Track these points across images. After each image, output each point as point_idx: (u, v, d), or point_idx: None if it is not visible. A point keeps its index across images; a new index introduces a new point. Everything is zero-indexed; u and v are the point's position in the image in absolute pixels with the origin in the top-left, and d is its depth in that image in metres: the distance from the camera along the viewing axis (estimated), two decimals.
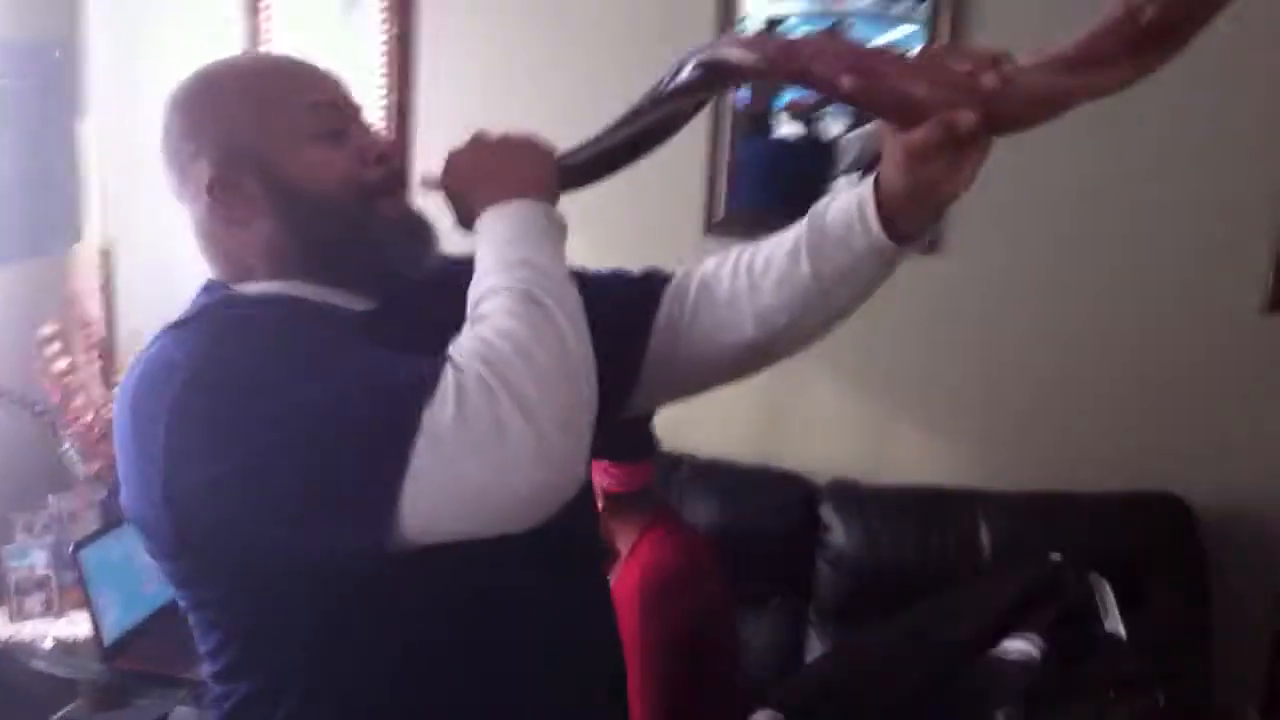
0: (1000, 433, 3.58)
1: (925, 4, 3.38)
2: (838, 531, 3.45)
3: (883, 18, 3.43)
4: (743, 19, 3.49)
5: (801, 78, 1.31)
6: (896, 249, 1.39)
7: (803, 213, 1.49)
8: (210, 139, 1.41)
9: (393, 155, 1.45)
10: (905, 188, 1.33)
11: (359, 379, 1.20)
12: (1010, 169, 3.25)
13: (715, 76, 1.39)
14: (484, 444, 1.13)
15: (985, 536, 3.37)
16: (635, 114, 1.45)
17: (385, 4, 3.76)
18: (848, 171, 3.51)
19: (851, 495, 3.50)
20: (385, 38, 3.78)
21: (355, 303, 1.43)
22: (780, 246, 1.48)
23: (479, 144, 1.45)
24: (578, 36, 3.69)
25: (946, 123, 1.23)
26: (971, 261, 3.49)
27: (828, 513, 3.48)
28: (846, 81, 1.26)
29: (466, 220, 1.41)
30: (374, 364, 1.23)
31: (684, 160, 3.56)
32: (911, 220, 1.37)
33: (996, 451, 3.59)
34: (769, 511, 3.52)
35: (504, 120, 1.54)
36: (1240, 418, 3.43)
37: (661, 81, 1.43)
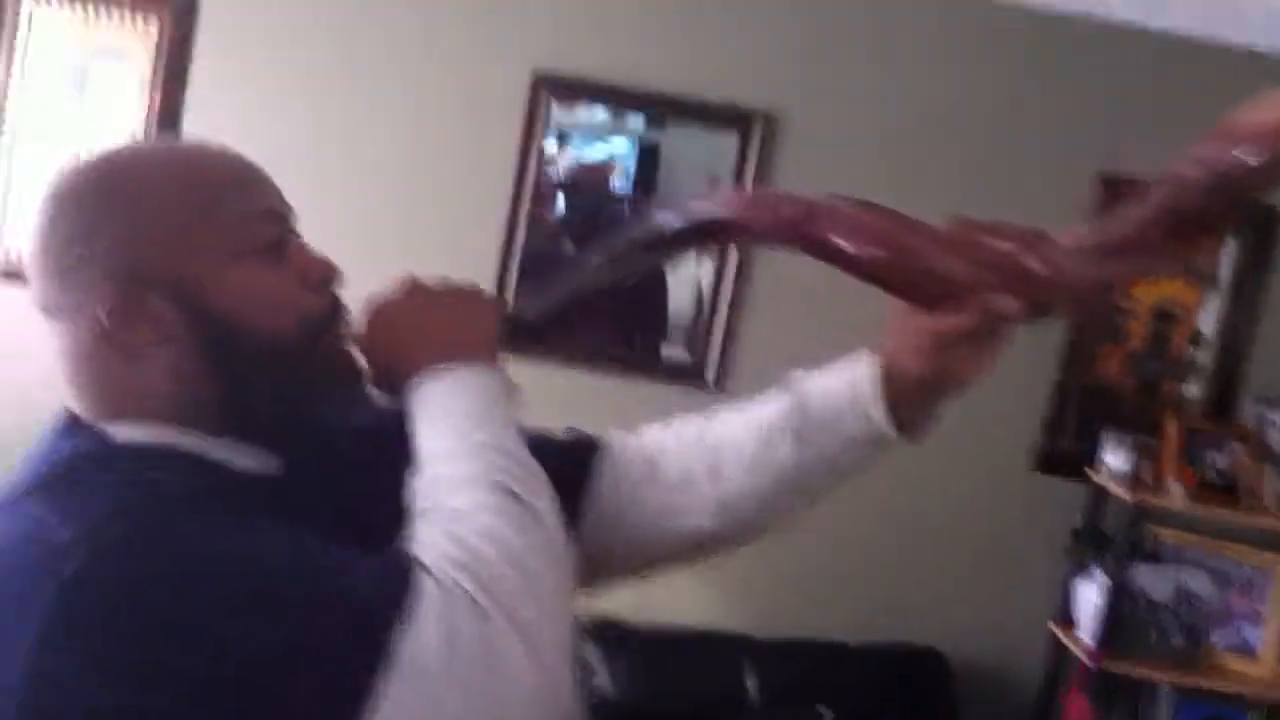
0: (768, 578, 3.52)
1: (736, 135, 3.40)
2: (601, 674, 3.29)
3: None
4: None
5: (817, 247, 1.17)
6: (896, 439, 1.25)
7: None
8: (113, 246, 1.11)
9: (335, 277, 1.20)
10: (920, 374, 1.20)
11: (309, 593, 0.96)
12: (794, 307, 3.49)
13: (707, 236, 1.27)
14: (474, 679, 0.93)
15: (752, 683, 3.31)
16: (596, 267, 1.31)
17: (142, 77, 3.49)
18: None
19: (614, 635, 3.35)
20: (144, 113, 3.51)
21: (253, 461, 1.15)
22: (749, 426, 1.31)
23: (414, 295, 1.22)
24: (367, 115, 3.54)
25: (989, 309, 1.12)
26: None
27: (590, 653, 3.32)
28: (871, 255, 1.14)
29: (392, 381, 1.19)
30: (322, 569, 0.98)
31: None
32: (914, 408, 1.24)
33: (765, 597, 3.56)
34: None
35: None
36: (1000, 574, 3.54)
37: (631, 234, 1.29)
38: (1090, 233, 1.11)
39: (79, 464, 1.07)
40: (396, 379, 1.17)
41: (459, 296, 1.22)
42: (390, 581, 0.95)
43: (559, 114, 3.49)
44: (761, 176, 3.46)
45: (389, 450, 1.15)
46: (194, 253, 1.11)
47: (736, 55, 3.49)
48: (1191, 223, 1.06)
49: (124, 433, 1.12)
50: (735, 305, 3.51)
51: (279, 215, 1.17)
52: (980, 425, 3.41)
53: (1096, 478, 3.47)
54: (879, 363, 1.23)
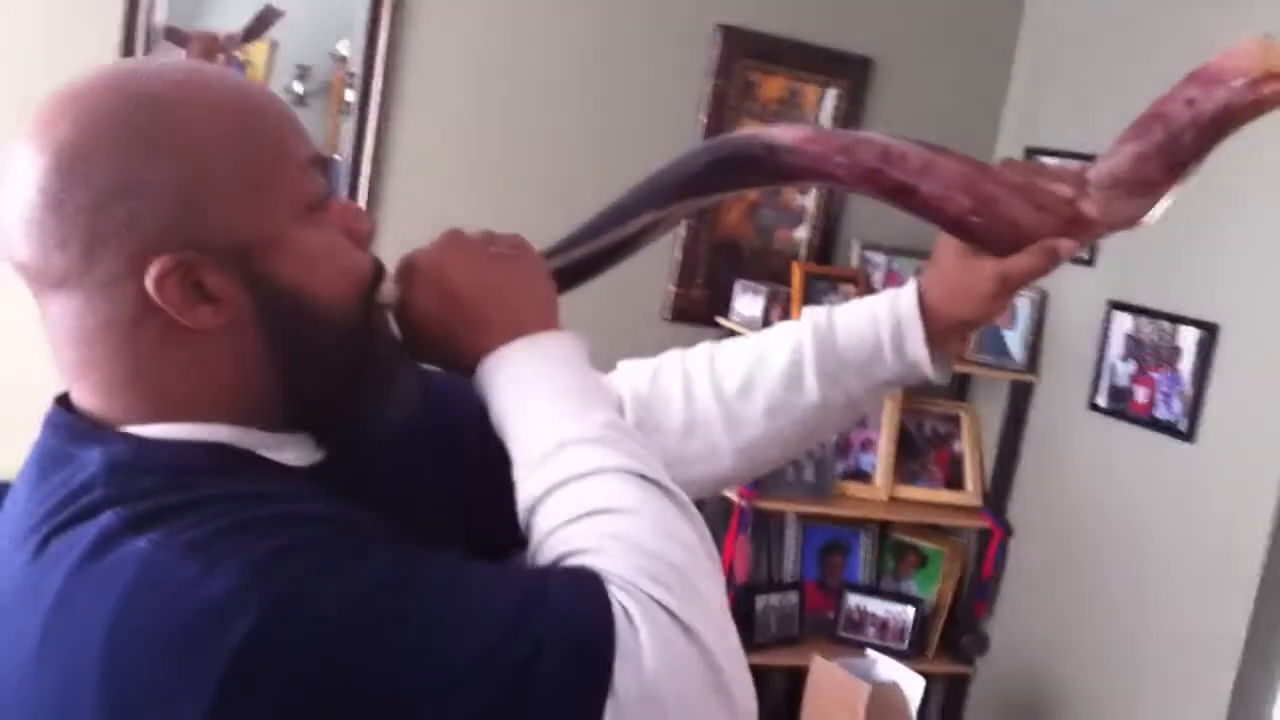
0: None
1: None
2: None
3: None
4: None
5: (898, 193, 1.14)
6: (935, 380, 1.26)
7: None
8: (164, 204, 0.89)
9: (374, 231, 1.03)
10: (968, 316, 1.21)
11: (510, 630, 0.82)
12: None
13: (773, 173, 1.17)
14: (704, 703, 0.84)
15: None
16: (634, 207, 1.19)
17: None
18: None
19: None
20: None
21: (300, 453, 0.99)
22: (764, 366, 1.24)
23: (459, 249, 1.06)
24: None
25: (1053, 252, 1.14)
26: None
27: None
28: (962, 203, 1.13)
29: (445, 353, 1.05)
30: (509, 597, 0.85)
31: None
32: (946, 346, 1.24)
33: None
34: None
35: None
36: None
37: (672, 169, 1.19)
38: (1103, 171, 1.16)
39: (142, 481, 0.88)
40: (450, 352, 1.04)
41: (513, 252, 1.08)
42: (586, 602, 0.83)
43: None
44: (396, 26, 3.26)
45: (439, 434, 1.05)
46: (264, 214, 0.92)
47: None
48: (1186, 158, 1.14)
49: (161, 433, 0.92)
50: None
51: (322, 161, 0.98)
52: (615, 278, 3.44)
53: (727, 324, 3.60)
54: (917, 302, 1.22)
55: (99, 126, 0.89)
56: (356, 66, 3.28)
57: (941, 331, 1.22)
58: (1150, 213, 1.18)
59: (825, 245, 3.83)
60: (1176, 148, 1.14)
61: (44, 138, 0.89)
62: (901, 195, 1.14)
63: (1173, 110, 1.13)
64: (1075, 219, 1.16)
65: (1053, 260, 1.15)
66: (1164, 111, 1.14)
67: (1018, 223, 1.15)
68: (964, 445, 3.87)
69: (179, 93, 0.92)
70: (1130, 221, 1.19)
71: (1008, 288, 1.18)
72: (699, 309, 3.68)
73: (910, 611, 3.72)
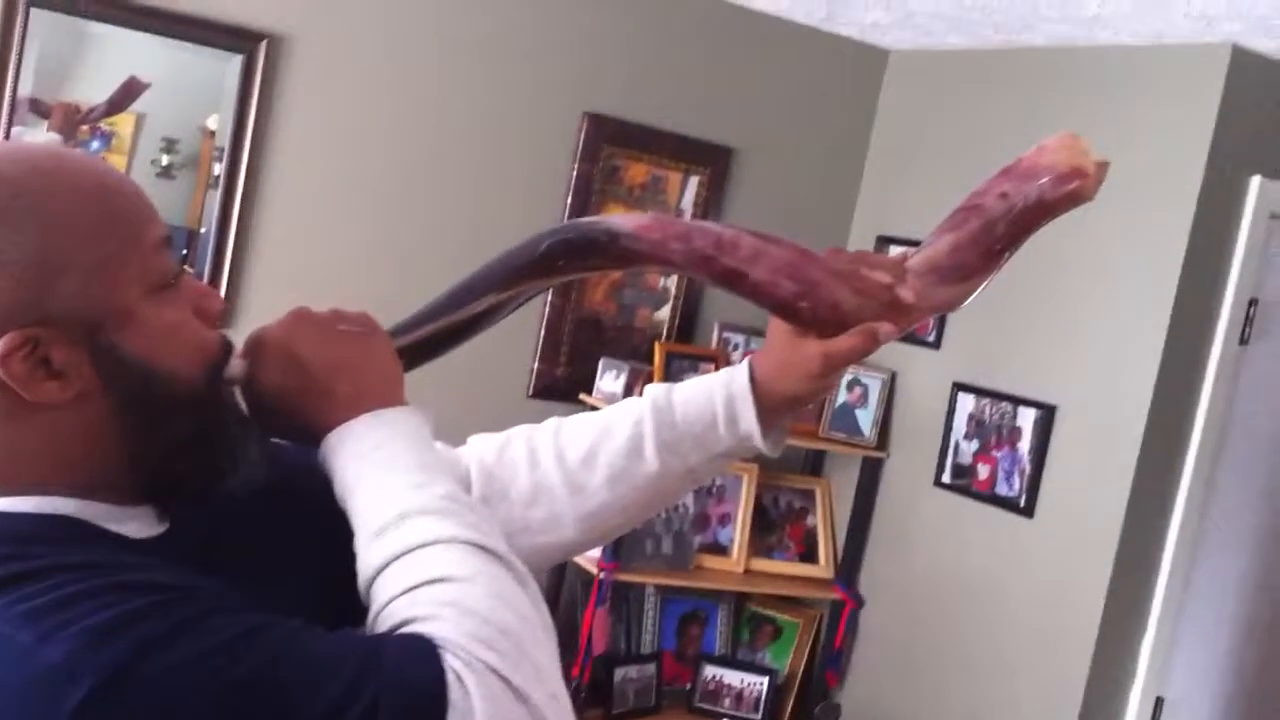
0: None
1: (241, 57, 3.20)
2: None
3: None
4: None
5: (730, 279, 1.19)
6: (767, 451, 1.30)
7: None
8: (16, 280, 0.91)
9: (223, 310, 1.05)
10: (797, 392, 1.26)
11: (344, 690, 0.85)
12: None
13: (613, 257, 1.22)
14: None
15: None
16: (480, 287, 1.22)
17: None
18: None
19: None
20: None
21: (142, 524, 1.00)
22: (606, 437, 1.29)
23: (307, 325, 1.08)
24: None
25: (873, 334, 1.20)
26: None
27: None
28: (789, 288, 1.18)
29: (288, 426, 1.08)
30: (337, 658, 0.87)
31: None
32: (776, 421, 1.29)
33: None
34: None
35: None
36: None
37: (518, 251, 1.22)
38: (922, 259, 1.23)
39: None
40: (296, 425, 1.06)
41: (359, 328, 1.11)
42: (420, 667, 0.86)
43: None
44: (265, 101, 3.31)
45: (284, 506, 1.06)
46: (112, 290, 0.93)
47: None
48: (1000, 247, 1.21)
49: (4, 505, 0.93)
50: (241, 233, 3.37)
51: (171, 242, 1.01)
52: (479, 355, 3.49)
53: (591, 401, 3.68)
54: (749, 379, 1.26)
55: None
56: (225, 140, 3.31)
57: (772, 407, 1.28)
58: (966, 298, 1.25)
59: (686, 325, 3.94)
60: (990, 238, 1.20)
61: None
62: (733, 280, 1.20)
63: (987, 203, 1.20)
64: (894, 303, 1.22)
65: (873, 341, 1.21)
66: (979, 204, 1.21)
67: (839, 306, 1.20)
68: (818, 519, 3.99)
69: (32, 173, 0.93)
70: (947, 306, 1.26)
71: (832, 366, 1.23)
72: (562, 386, 3.75)
73: (765, 682, 3.80)
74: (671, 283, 3.90)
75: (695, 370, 3.76)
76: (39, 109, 3.17)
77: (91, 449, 0.96)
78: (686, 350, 3.84)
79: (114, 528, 0.96)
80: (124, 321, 0.94)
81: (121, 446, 0.96)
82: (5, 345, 0.89)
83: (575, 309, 3.77)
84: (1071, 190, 1.16)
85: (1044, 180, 1.17)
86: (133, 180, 1.02)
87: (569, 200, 3.69)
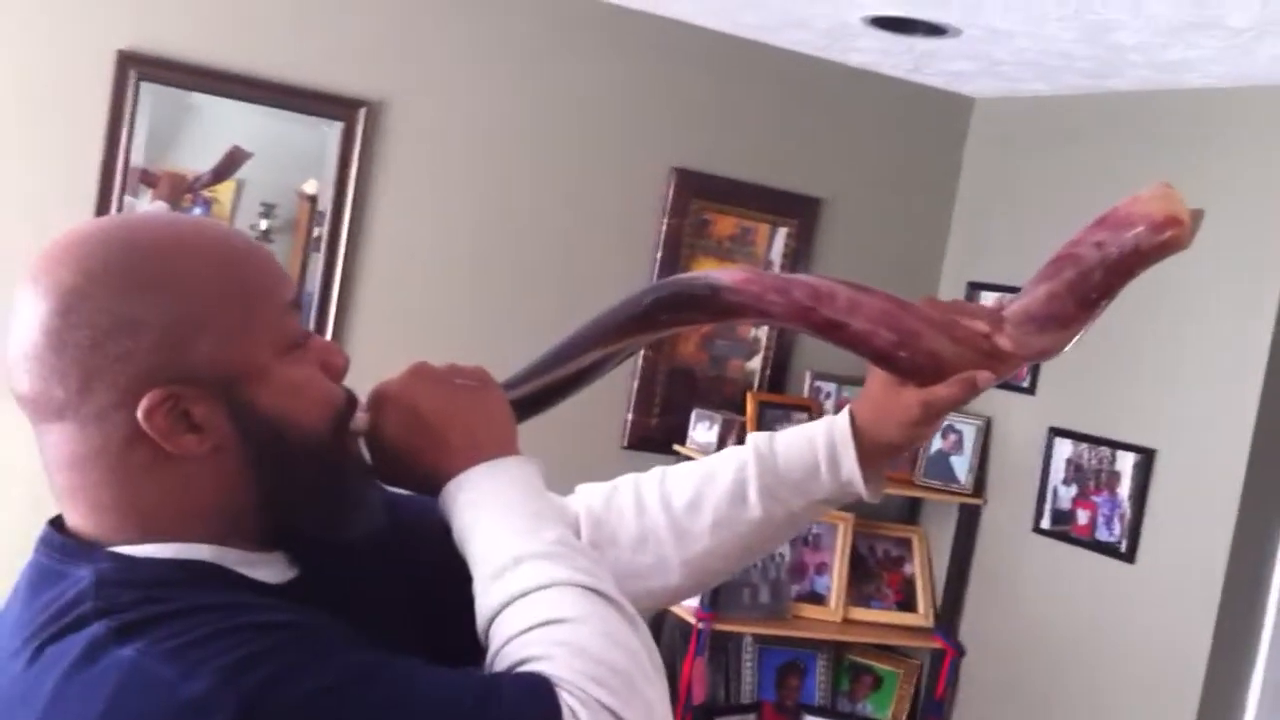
0: None
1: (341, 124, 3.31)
2: None
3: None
4: None
5: (828, 329, 1.23)
6: (868, 499, 1.33)
7: None
8: (159, 342, 0.97)
9: (347, 366, 1.11)
10: (895, 440, 1.29)
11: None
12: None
13: (716, 311, 1.26)
14: None
15: None
16: (585, 343, 1.27)
17: None
18: None
19: None
20: None
21: (274, 571, 1.06)
22: (710, 484, 1.32)
23: (426, 380, 1.14)
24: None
25: (971, 383, 1.23)
26: None
27: None
28: (887, 338, 1.22)
29: (410, 477, 1.13)
30: (458, 693, 0.94)
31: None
32: (876, 468, 1.32)
33: None
34: None
35: None
36: None
37: (621, 308, 1.27)
38: (1019, 307, 1.25)
39: (127, 595, 0.95)
40: (417, 475, 1.12)
41: (476, 384, 1.17)
42: (536, 704, 0.91)
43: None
44: (365, 166, 3.42)
45: (405, 551, 1.11)
46: (247, 350, 1.00)
47: (340, 41, 3.41)
48: (1096, 296, 1.23)
49: (146, 552, 0.99)
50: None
51: (299, 304, 1.09)
52: (575, 408, 3.55)
53: (685, 451, 3.71)
54: (850, 427, 1.30)
55: (96, 272, 0.96)
56: (326, 204, 3.42)
57: (872, 454, 1.30)
58: (1063, 346, 1.27)
59: (777, 375, 3.97)
60: (1086, 286, 1.22)
61: (46, 282, 0.97)
62: (832, 331, 1.23)
63: (1083, 252, 1.22)
64: (992, 352, 1.24)
65: (971, 390, 1.24)
66: (1075, 253, 1.23)
67: (938, 355, 1.23)
68: (915, 567, 3.98)
69: (170, 241, 1.00)
70: (1044, 354, 1.28)
71: (931, 414, 1.26)
72: (657, 437, 3.79)
73: None
74: (762, 333, 3.93)
75: (788, 419, 3.78)
76: (147, 179, 3.30)
77: (226, 498, 1.02)
78: (779, 400, 3.87)
79: (248, 573, 1.02)
80: (257, 379, 1.00)
81: (254, 495, 1.02)
82: (149, 401, 0.96)
83: (668, 361, 3.82)
84: (1167, 239, 1.17)
85: (1139, 229, 1.18)
86: (261, 245, 1.10)
87: (659, 255, 3.74)
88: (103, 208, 3.19)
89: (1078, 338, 1.26)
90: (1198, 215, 1.18)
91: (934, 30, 3.28)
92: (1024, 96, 3.93)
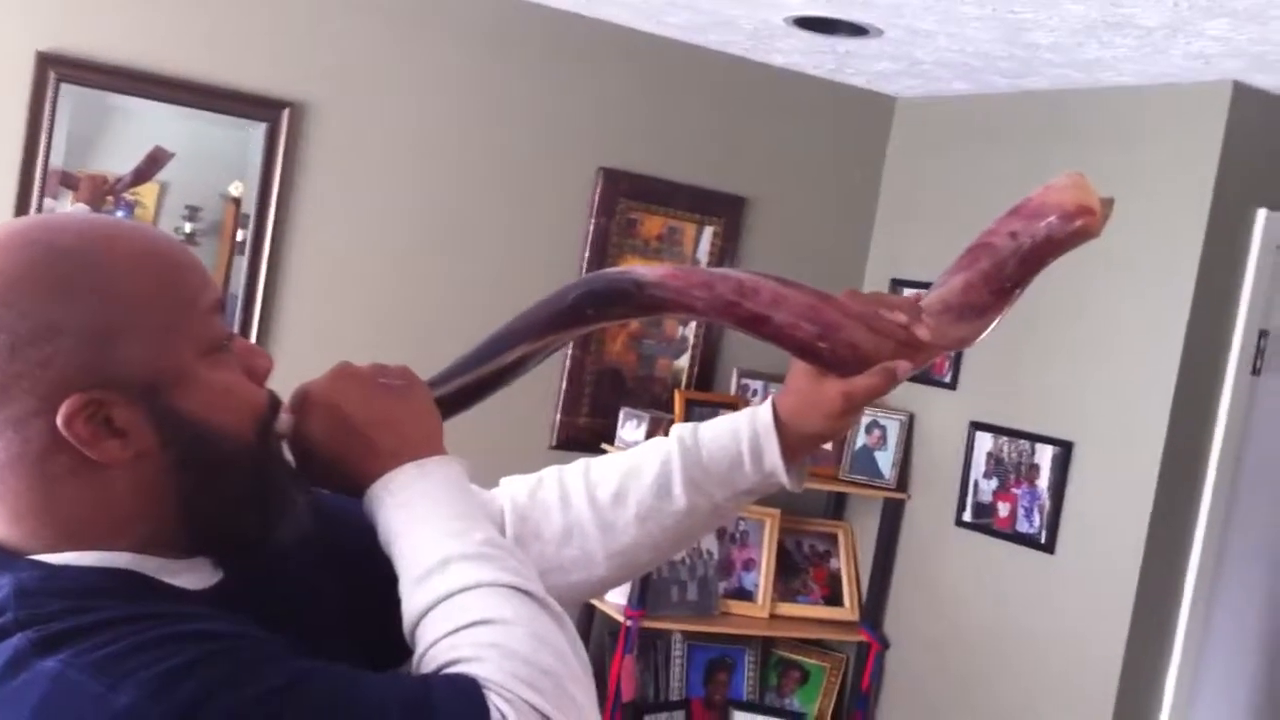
0: None
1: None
2: None
3: None
4: None
5: (752, 323, 1.24)
6: (791, 489, 1.34)
7: None
8: (78, 346, 0.94)
9: (271, 368, 1.09)
10: (818, 431, 1.30)
11: None
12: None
13: (640, 306, 1.27)
14: None
15: None
16: (511, 337, 1.27)
17: None
18: None
19: None
20: None
21: (198, 577, 1.04)
22: (634, 476, 1.32)
23: (350, 381, 1.13)
24: None
25: (891, 373, 1.25)
26: None
27: None
28: (809, 330, 1.24)
29: (335, 478, 1.12)
30: (392, 699, 0.93)
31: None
32: (798, 458, 1.32)
33: None
34: None
35: None
36: None
37: (546, 303, 1.28)
38: (936, 298, 1.28)
39: (50, 605, 0.92)
40: (342, 476, 1.11)
41: (401, 383, 1.16)
42: (465, 707, 0.91)
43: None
44: (289, 167, 3.40)
45: (330, 551, 1.10)
46: (170, 354, 0.98)
47: (263, 42, 3.38)
48: (1011, 285, 1.25)
49: (67, 560, 0.97)
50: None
51: (223, 306, 1.07)
52: (503, 408, 3.55)
53: (612, 450, 3.73)
54: (772, 418, 1.30)
55: (13, 277, 0.94)
56: (250, 207, 3.40)
57: (795, 445, 1.31)
58: (980, 335, 1.29)
59: (705, 373, 4.00)
60: (1001, 275, 1.24)
61: None
62: (756, 325, 1.25)
63: (997, 241, 1.24)
64: (910, 342, 1.26)
65: (890, 380, 1.26)
66: (989, 243, 1.25)
67: (858, 347, 1.25)
68: (841, 562, 4.02)
69: (92, 243, 0.97)
70: (961, 343, 1.30)
71: (852, 405, 1.28)
72: (585, 436, 3.81)
73: None
74: (690, 331, 3.95)
75: (716, 417, 3.80)
76: (68, 181, 3.26)
77: (149, 505, 0.99)
78: (706, 398, 3.90)
79: (170, 580, 1.01)
80: (180, 382, 0.98)
81: (177, 501, 1.00)
82: (69, 407, 0.94)
83: (596, 360, 3.84)
84: (1079, 227, 1.20)
85: (1052, 218, 1.21)
86: (185, 246, 1.07)
87: (587, 254, 3.76)
88: (21, 210, 3.15)
89: (993, 326, 1.28)
90: (1108, 203, 1.20)
91: (856, 31, 3.33)
92: (945, 96, 3.99)
